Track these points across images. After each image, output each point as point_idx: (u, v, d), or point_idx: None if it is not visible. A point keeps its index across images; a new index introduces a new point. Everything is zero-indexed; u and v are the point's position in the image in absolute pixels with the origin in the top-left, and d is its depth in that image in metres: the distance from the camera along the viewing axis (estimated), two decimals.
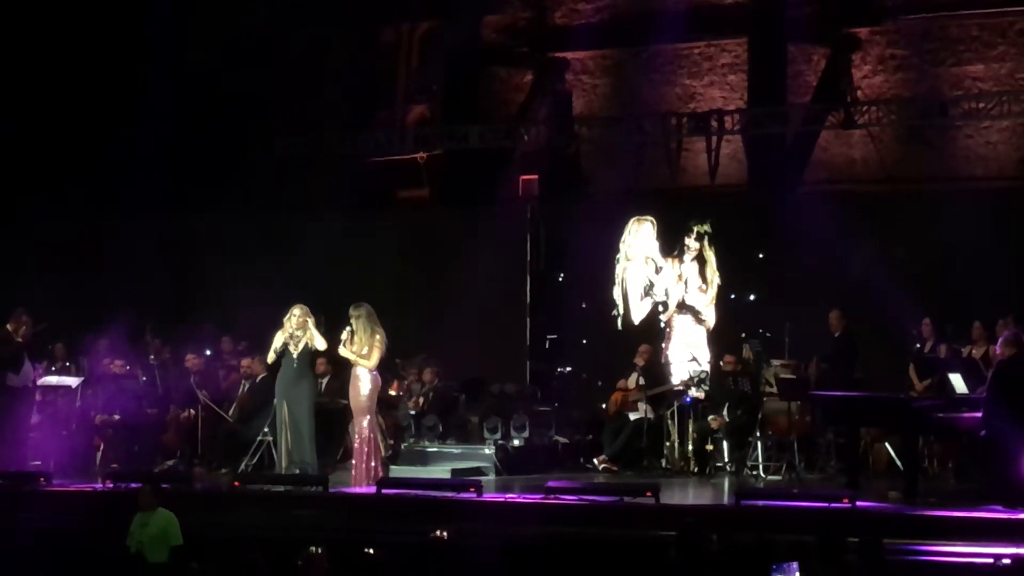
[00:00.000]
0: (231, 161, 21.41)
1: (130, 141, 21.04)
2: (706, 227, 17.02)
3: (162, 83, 21.44)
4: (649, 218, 17.44)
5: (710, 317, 16.99)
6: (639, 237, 17.40)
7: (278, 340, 15.59)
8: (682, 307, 16.95)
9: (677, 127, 21.37)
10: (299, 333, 15.55)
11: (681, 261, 17.04)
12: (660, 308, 17.15)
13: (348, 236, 20.56)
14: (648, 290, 17.20)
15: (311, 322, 15.65)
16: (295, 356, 15.56)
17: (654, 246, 17.33)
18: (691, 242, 17.01)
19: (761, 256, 18.29)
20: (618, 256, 17.43)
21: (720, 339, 17.06)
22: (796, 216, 17.93)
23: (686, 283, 17.01)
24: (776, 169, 20.72)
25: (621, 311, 17.39)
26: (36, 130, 21.58)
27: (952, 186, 20.36)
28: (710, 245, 16.98)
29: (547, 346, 19.46)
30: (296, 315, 15.57)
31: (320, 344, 15.63)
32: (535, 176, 21.27)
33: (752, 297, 17.66)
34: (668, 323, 17.04)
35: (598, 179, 22.36)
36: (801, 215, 17.86)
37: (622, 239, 17.40)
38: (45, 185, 21.30)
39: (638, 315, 17.22)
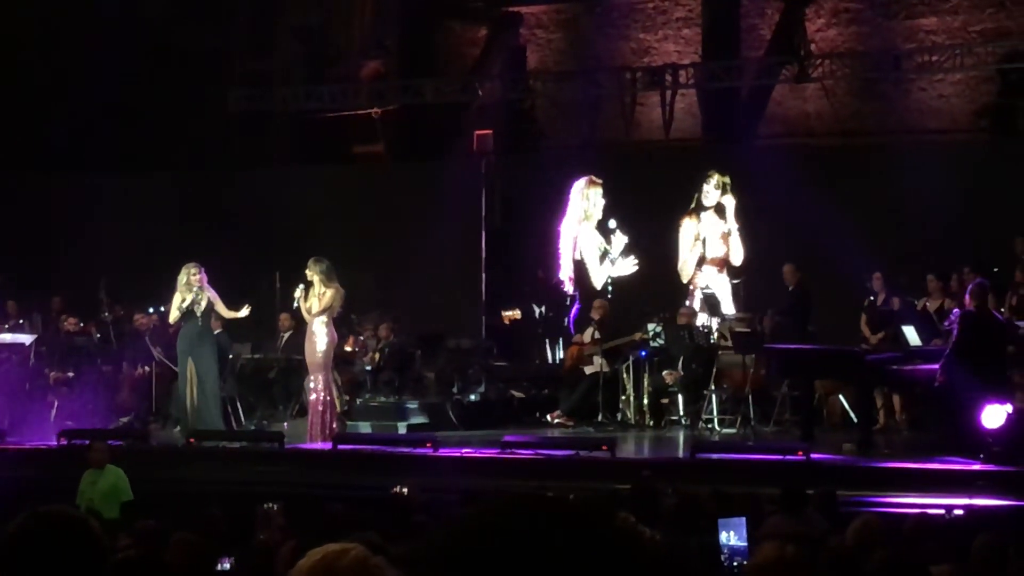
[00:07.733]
0: (183, 116, 21.22)
1: (80, 96, 20.83)
2: (726, 178, 16.96)
3: (113, 37, 21.20)
4: (600, 180, 17.36)
5: (737, 256, 16.95)
6: (597, 199, 17.31)
7: (182, 300, 15.52)
8: (703, 262, 16.90)
9: (631, 81, 21.36)
10: (200, 293, 15.51)
11: (699, 218, 16.94)
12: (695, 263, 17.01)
13: (303, 192, 20.45)
14: (604, 255, 17.14)
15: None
16: (199, 316, 15.54)
17: (601, 206, 17.29)
18: (710, 188, 16.92)
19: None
20: (577, 218, 17.27)
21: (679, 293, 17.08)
22: (751, 170, 17.95)
23: (704, 241, 16.89)
24: (731, 123, 20.75)
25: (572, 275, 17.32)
26: None
27: (906, 139, 20.42)
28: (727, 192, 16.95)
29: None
30: (194, 274, 15.50)
31: (223, 310, 15.67)
32: (490, 131, 21.14)
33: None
34: (691, 281, 17.01)
35: (553, 133, 22.33)
36: (756, 169, 17.88)
37: (582, 197, 17.24)
38: None
39: (599, 279, 17.15)
